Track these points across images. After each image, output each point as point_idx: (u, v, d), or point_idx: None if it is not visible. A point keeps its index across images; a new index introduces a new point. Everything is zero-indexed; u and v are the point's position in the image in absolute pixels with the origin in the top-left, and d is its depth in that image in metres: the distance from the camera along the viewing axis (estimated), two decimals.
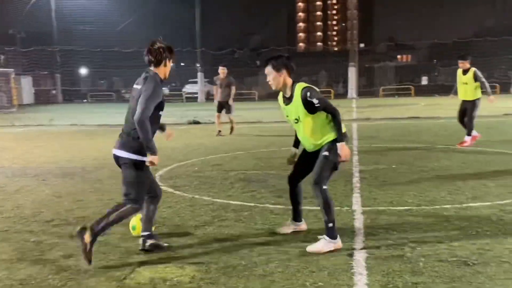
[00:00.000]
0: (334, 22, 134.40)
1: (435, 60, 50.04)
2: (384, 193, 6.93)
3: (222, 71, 15.32)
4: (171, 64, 4.86)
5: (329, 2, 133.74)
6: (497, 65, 41.21)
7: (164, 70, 4.80)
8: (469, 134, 11.34)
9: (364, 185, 7.49)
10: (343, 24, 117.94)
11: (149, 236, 4.79)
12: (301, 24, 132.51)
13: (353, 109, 26.35)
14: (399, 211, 5.95)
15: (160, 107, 4.73)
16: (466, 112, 11.40)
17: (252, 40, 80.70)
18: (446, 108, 23.69)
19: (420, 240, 4.83)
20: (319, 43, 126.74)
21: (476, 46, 40.75)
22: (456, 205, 6.14)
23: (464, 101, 11.46)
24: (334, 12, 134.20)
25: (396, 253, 4.51)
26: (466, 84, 11.28)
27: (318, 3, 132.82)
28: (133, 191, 4.62)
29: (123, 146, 4.65)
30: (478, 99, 11.28)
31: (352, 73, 41.96)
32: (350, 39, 46.78)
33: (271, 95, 47.63)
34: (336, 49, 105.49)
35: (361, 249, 4.66)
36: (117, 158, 4.71)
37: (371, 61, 53.00)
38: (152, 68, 4.77)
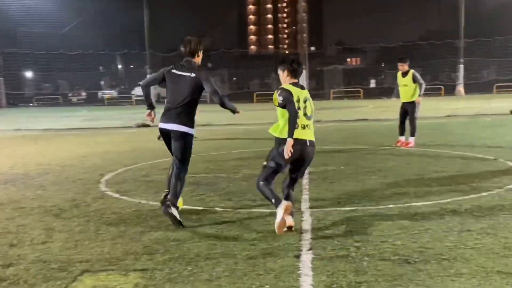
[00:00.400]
0: (285, 25, 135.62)
1: (383, 64, 51.19)
2: (332, 194, 7.02)
3: None
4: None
5: (279, 5, 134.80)
6: (441, 68, 42.55)
7: (198, 59, 6.06)
8: (412, 134, 11.64)
9: (313, 186, 7.56)
10: (294, 28, 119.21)
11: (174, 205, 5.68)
12: (252, 27, 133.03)
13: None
14: (346, 212, 6.03)
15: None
16: (407, 113, 11.72)
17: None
18: (393, 110, 24.31)
19: (364, 240, 4.90)
20: (270, 46, 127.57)
21: (421, 49, 41.99)
22: (400, 205, 6.28)
23: (404, 103, 11.78)
24: (285, 15, 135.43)
25: (341, 253, 4.56)
26: (406, 86, 11.61)
27: (269, 6, 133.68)
28: (188, 157, 6.03)
29: (184, 122, 5.85)
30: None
31: (302, 76, 42.44)
32: (300, 42, 47.31)
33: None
34: (287, 52, 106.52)
35: (308, 250, 4.69)
36: (169, 134, 5.89)
37: (322, 64, 53.78)
38: (192, 58, 5.97)
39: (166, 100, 6.06)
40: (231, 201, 6.78)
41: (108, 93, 52.33)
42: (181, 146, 5.95)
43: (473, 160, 9.57)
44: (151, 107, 6.25)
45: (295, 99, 5.37)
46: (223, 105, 6.00)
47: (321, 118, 20.90)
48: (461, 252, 4.47)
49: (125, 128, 20.25)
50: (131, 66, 53.48)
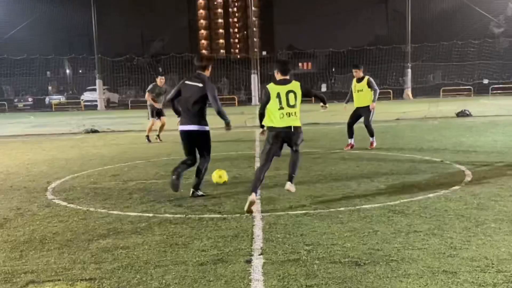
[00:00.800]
0: (236, 30, 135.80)
1: (333, 68, 51.96)
2: (283, 198, 7.04)
3: (161, 80, 15.78)
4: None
5: (230, 10, 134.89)
6: (389, 72, 43.54)
7: (207, 72, 7.59)
8: (372, 135, 11.94)
9: (265, 191, 7.56)
10: (245, 32, 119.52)
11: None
12: (203, 31, 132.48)
13: (257, 115, 26.65)
14: (297, 215, 6.06)
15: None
16: (360, 118, 11.95)
17: (153, 47, 79.53)
18: (344, 114, 24.67)
19: (315, 243, 4.93)
20: (222, 51, 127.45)
21: (370, 54, 42.90)
22: (350, 207, 6.35)
23: (358, 108, 12.00)
24: (236, 20, 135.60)
25: (292, 257, 4.57)
26: (361, 91, 11.83)
27: (219, 11, 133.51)
28: (209, 149, 7.64)
29: (201, 123, 7.48)
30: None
31: (254, 80, 42.61)
32: (252, 47, 47.50)
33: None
34: (239, 56, 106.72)
35: (259, 255, 4.67)
36: (191, 134, 7.43)
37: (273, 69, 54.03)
38: (203, 72, 7.50)
39: (181, 108, 7.57)
40: (182, 207, 6.70)
41: (56, 99, 50.96)
42: (202, 141, 7.55)
43: (420, 162, 9.80)
44: (179, 114, 7.66)
45: (273, 95, 6.79)
46: (219, 113, 7.56)
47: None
48: (409, 253, 4.55)
49: (73, 134, 19.76)
50: (80, 71, 52.29)
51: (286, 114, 6.76)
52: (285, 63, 7.46)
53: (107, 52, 47.71)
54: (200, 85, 7.38)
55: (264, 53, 58.27)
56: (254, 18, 50.90)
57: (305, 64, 71.85)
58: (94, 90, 46.38)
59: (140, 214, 6.41)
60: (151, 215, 6.36)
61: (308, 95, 7.67)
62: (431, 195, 6.89)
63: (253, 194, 6.29)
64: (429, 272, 4.08)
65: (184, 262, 4.55)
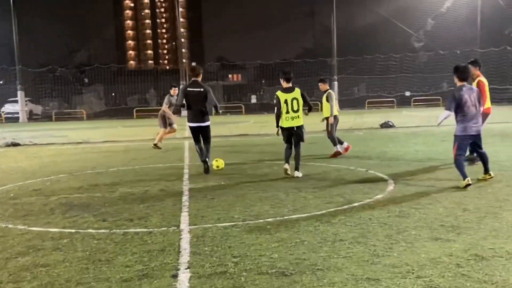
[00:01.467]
0: (165, 41, 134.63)
1: (263, 80, 52.51)
2: (212, 210, 6.98)
3: (175, 90, 15.69)
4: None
5: (158, 21, 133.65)
6: (316, 85, 44.50)
7: (200, 78, 10.38)
8: (337, 143, 12.66)
9: (193, 203, 7.48)
10: (174, 43, 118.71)
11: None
12: (130, 42, 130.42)
13: (185, 127, 26.48)
14: (225, 227, 6.02)
15: None
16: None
17: (77, 57, 77.27)
18: (273, 125, 24.93)
19: (243, 255, 4.91)
20: (150, 61, 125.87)
21: (297, 67, 43.75)
22: (278, 218, 6.39)
23: (324, 118, 12.77)
24: (164, 31, 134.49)
25: (220, 269, 4.53)
26: (324, 103, 12.68)
27: (147, 21, 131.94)
28: (210, 137, 10.58)
29: (206, 120, 10.39)
30: (333, 116, 12.51)
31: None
32: (180, 58, 47.21)
33: (99, 114, 46.11)
34: (167, 67, 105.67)
35: (186, 269, 4.60)
36: (200, 127, 10.28)
37: (203, 80, 54.00)
38: (198, 78, 10.25)
39: (188, 109, 10.32)
40: (106, 222, 6.50)
41: None
42: (206, 133, 10.53)
43: (347, 172, 10.04)
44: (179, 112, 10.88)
45: (282, 101, 9.45)
46: (216, 105, 10.56)
47: None
48: (334, 262, 4.62)
49: None
50: (0, 82, 49.93)
51: (291, 118, 9.48)
52: (288, 73, 9.80)
53: (30, 62, 45.92)
54: (201, 89, 10.31)
55: (193, 64, 58.09)
56: (182, 29, 50.74)
57: (235, 75, 72.28)
58: (16, 102, 44.50)
59: (62, 230, 6.16)
60: (73, 230, 6.12)
61: (304, 100, 9.58)
62: (356, 204, 7.06)
63: (286, 164, 9.56)
64: (353, 280, 4.16)
65: (107, 279, 4.40)
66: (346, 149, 12.80)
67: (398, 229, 5.68)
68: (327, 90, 12.74)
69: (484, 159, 8.48)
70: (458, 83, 8.25)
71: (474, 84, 9.94)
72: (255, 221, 6.29)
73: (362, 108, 42.69)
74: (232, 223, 6.20)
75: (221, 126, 26.67)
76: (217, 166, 10.63)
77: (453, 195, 7.44)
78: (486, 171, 8.48)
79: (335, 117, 12.58)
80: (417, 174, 9.48)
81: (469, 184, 7.81)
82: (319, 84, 13.20)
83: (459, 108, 7.97)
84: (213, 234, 5.73)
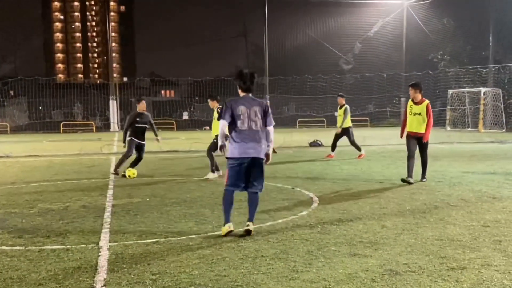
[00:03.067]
0: (95, 55, 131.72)
1: (197, 97, 52.34)
2: (134, 227, 6.84)
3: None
4: None
5: (89, 34, 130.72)
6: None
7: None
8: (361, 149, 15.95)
9: (115, 220, 7.30)
10: (105, 57, 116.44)
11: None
12: (59, 55, 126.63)
13: (114, 142, 25.93)
14: (147, 244, 5.91)
15: None
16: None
17: (1, 69, 74.06)
18: (204, 142, 24.82)
19: (162, 272, 4.83)
20: (80, 75, 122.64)
21: (229, 84, 43.97)
22: (201, 235, 6.34)
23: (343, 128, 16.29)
24: (95, 44, 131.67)
25: (137, 287, 4.42)
26: (340, 115, 15.60)
27: (77, 34, 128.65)
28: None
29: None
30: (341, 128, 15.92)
31: (113, 106, 41.51)
32: (111, 73, 46.33)
33: (23, 127, 44.23)
34: (98, 81, 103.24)
35: (102, 286, 4.46)
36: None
37: (135, 95, 53.05)
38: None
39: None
40: (21, 239, 6.22)
41: None
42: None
43: (273, 189, 10.11)
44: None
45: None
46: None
47: None
48: (254, 278, 4.63)
49: None
50: None
51: None
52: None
53: None
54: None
55: (125, 79, 57.12)
56: (114, 44, 49.82)
57: (167, 91, 71.64)
58: None
59: None
60: None
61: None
62: (280, 220, 7.12)
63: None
64: None
65: None
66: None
67: (319, 245, 5.77)
68: (344, 104, 15.22)
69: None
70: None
71: (421, 107, 10.53)
72: (177, 237, 6.21)
73: (294, 127, 43.42)
74: (154, 240, 6.09)
75: (150, 142, 26.28)
76: (129, 176, 11.87)
77: (373, 212, 7.66)
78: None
79: (349, 128, 15.72)
80: (340, 191, 9.70)
81: None
82: (338, 98, 16.11)
83: None
84: (133, 251, 5.60)
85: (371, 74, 43.92)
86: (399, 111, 45.02)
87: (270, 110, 6.54)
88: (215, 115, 12.09)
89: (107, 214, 7.70)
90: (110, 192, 9.99)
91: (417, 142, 10.76)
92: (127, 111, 47.12)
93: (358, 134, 20.46)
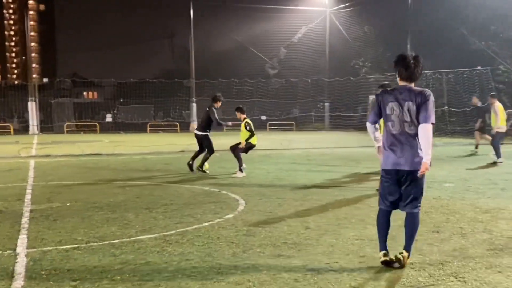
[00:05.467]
0: (14, 55, 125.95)
1: (121, 99, 51.21)
2: (53, 232, 6.60)
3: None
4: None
5: (7, 33, 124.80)
6: (173, 105, 44.41)
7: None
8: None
9: (34, 225, 7.02)
10: (24, 57, 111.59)
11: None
12: None
13: (33, 145, 24.92)
14: (66, 250, 5.72)
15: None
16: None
17: None
18: (128, 144, 24.36)
19: (83, 278, 4.70)
20: None
21: (154, 87, 43.43)
22: (124, 239, 6.22)
23: None
24: (13, 44, 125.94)
25: None
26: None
27: None
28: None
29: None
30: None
31: (32, 108, 39.82)
32: (30, 73, 44.47)
33: None
34: (16, 82, 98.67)
35: None
36: None
37: (56, 97, 51.22)
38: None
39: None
40: None
41: None
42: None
43: (200, 193, 10.08)
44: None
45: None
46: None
47: (51, 153, 19.81)
48: (178, 282, 4.60)
49: None
50: None
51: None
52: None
53: None
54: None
55: (45, 79, 54.95)
56: (33, 44, 47.87)
57: (90, 93, 69.66)
58: None
59: None
60: None
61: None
62: (206, 223, 7.11)
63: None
64: None
65: None
66: None
67: (244, 247, 5.81)
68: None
69: None
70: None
71: None
72: (99, 243, 6.05)
73: (221, 130, 43.42)
74: (75, 246, 5.91)
75: (71, 144, 25.48)
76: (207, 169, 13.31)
77: (298, 214, 7.81)
78: None
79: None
80: (266, 194, 9.81)
81: None
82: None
83: None
84: (52, 257, 5.41)
85: (296, 79, 44.75)
86: (323, 115, 46.14)
87: (430, 102, 4.85)
88: (242, 127, 13.28)
89: (24, 220, 7.39)
90: (28, 197, 9.59)
91: None
92: (47, 113, 45.51)
93: (284, 137, 20.79)
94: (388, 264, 4.96)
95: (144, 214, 7.81)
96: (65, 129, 43.12)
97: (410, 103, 4.88)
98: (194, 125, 43.19)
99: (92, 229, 6.80)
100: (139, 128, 42.23)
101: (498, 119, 14.84)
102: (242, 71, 45.21)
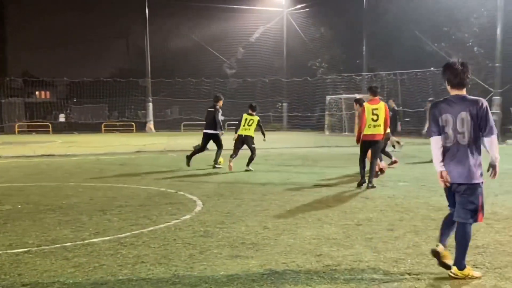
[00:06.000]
0: None
1: (75, 99, 50.08)
2: (3, 236, 6.38)
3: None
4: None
5: None
6: (128, 105, 43.71)
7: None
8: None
9: None
10: None
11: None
12: None
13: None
14: (17, 254, 5.53)
15: None
16: None
17: None
18: (81, 145, 23.87)
19: (34, 283, 4.55)
20: None
21: (109, 86, 42.66)
22: (78, 242, 6.06)
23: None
24: None
25: None
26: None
27: None
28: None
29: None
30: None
31: None
32: None
33: None
34: None
35: None
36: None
37: (6, 96, 49.62)
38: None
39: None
40: None
41: None
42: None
43: (156, 194, 9.94)
44: None
45: (243, 120, 14.11)
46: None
47: (1, 154, 19.20)
48: (133, 284, 4.50)
49: None
50: None
51: (245, 129, 13.99)
52: (253, 105, 14.54)
53: None
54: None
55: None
56: None
57: (42, 92, 67.92)
58: None
59: None
60: None
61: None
62: (162, 225, 7.01)
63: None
64: None
65: None
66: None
67: (201, 249, 5.75)
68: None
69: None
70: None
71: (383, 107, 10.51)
72: (51, 246, 5.88)
73: (178, 130, 43.06)
74: (25, 249, 5.72)
75: (22, 145, 24.77)
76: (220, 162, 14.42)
77: (256, 214, 7.79)
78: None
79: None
80: (224, 194, 9.76)
81: None
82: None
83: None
84: (2, 262, 5.22)
85: (254, 79, 44.81)
86: (281, 115, 46.35)
87: (488, 113, 4.74)
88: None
89: None
90: None
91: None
92: None
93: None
94: (436, 255, 4.93)
95: (98, 216, 7.64)
96: (16, 130, 41.93)
97: (464, 113, 4.74)
98: (151, 125, 42.77)
99: (44, 232, 6.60)
100: (93, 128, 41.44)
101: None
102: (199, 70, 44.96)
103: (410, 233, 6.48)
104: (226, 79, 46.31)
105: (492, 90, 27.95)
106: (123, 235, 6.40)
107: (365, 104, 10.70)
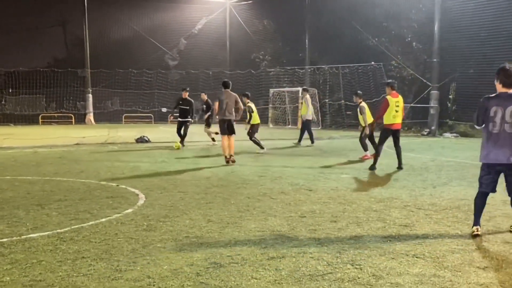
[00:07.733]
0: None
1: (10, 89, 48.11)
2: None
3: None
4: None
5: None
6: (67, 96, 42.38)
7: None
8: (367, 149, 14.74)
9: None
10: None
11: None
12: None
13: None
14: None
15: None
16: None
17: None
18: (17, 138, 22.96)
19: None
20: None
21: (45, 76, 41.20)
22: (14, 238, 5.83)
23: (362, 127, 15.02)
24: None
25: None
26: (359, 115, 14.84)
27: None
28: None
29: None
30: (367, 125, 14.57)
31: None
32: None
33: None
34: None
35: None
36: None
37: None
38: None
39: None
40: None
41: None
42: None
43: (96, 187, 9.70)
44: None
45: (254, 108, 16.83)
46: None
47: None
48: (73, 281, 4.37)
49: None
50: None
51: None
52: (247, 95, 16.85)
53: None
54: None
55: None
56: None
57: None
58: None
59: None
60: None
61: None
62: (103, 219, 6.84)
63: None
64: None
65: None
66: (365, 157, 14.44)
67: (144, 243, 5.65)
68: (360, 103, 14.56)
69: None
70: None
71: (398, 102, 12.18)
72: None
73: (119, 122, 42.18)
74: None
75: None
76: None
77: (200, 207, 7.74)
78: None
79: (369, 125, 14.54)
80: (168, 188, 9.63)
81: None
82: (354, 96, 15.14)
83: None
84: None
85: (196, 71, 44.44)
86: None
87: None
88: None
89: None
90: None
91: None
92: None
93: (195, 131, 20.59)
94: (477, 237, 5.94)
95: (35, 211, 7.37)
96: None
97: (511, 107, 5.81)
98: (91, 117, 41.69)
99: None
100: (30, 120, 39.98)
101: (366, 117, 14.96)
102: (140, 61, 44.13)
103: (352, 224, 6.60)
104: (168, 71, 45.70)
105: (430, 84, 28.84)
106: (62, 230, 6.20)
107: (389, 97, 12.18)
